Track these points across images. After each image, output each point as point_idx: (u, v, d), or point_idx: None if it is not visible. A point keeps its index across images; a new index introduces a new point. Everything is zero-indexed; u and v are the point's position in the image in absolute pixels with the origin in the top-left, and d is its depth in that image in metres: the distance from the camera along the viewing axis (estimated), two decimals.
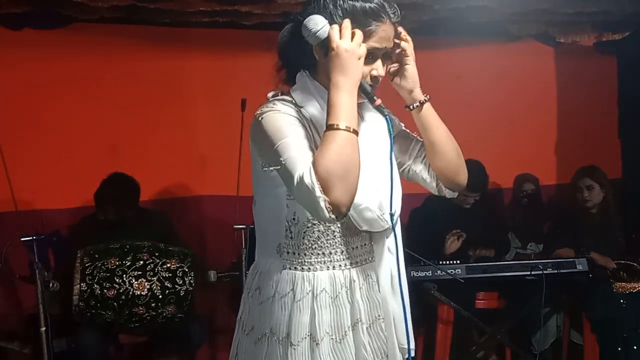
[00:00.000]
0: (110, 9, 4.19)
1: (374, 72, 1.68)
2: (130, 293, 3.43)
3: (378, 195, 1.70)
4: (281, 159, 1.58)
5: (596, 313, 3.95)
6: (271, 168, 1.62)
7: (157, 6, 4.21)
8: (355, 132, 1.56)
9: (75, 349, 3.73)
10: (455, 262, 3.96)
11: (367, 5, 1.65)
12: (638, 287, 3.89)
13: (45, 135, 4.48)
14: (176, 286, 3.50)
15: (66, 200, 4.52)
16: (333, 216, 1.53)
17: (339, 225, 1.71)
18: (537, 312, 4.03)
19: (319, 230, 1.70)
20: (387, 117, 1.64)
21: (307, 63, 1.73)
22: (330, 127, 1.55)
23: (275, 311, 1.70)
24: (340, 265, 1.72)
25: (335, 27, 1.60)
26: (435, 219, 4.44)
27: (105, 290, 3.42)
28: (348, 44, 1.58)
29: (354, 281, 1.73)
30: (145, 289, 3.45)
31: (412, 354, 1.79)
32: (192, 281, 3.53)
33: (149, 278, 3.47)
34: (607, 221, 4.32)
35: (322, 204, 1.50)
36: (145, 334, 3.78)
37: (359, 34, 1.61)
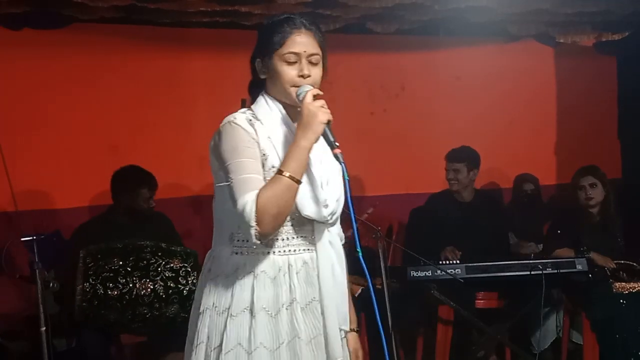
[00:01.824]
0: (110, 9, 4.20)
1: (300, 73, 1.94)
2: (134, 293, 3.43)
3: (325, 192, 1.96)
4: (231, 176, 1.88)
5: (596, 313, 3.95)
6: (222, 183, 1.93)
7: (157, 6, 4.21)
8: (299, 182, 1.85)
9: (76, 348, 3.73)
10: (455, 262, 3.96)
11: (276, 19, 2.01)
12: (638, 287, 3.88)
13: (45, 135, 4.48)
14: (179, 286, 3.49)
15: (66, 200, 4.52)
16: (258, 241, 1.83)
17: None
18: (537, 312, 4.03)
19: None
20: (342, 163, 1.89)
21: (261, 84, 2.02)
22: (280, 172, 1.84)
23: (219, 287, 1.94)
24: (280, 252, 1.94)
25: (310, 90, 1.91)
26: (437, 218, 4.45)
27: (108, 290, 3.42)
28: (313, 105, 1.89)
29: (291, 266, 1.95)
30: (149, 289, 3.44)
31: (346, 335, 2.06)
32: (195, 281, 3.52)
33: (152, 278, 3.46)
34: (607, 221, 4.32)
35: (253, 232, 1.81)
36: (147, 334, 3.78)
37: (324, 103, 1.92)
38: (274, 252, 1.94)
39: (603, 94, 5.65)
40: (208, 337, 1.92)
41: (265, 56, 1.97)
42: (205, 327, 1.92)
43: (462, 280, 3.75)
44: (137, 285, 3.44)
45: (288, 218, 1.93)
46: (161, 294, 3.45)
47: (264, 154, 1.91)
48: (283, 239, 1.95)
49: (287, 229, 1.95)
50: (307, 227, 1.97)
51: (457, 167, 4.46)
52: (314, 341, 1.94)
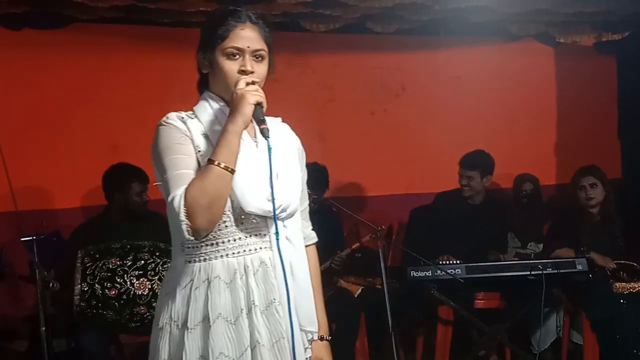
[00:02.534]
0: (110, 9, 4.20)
1: (242, 68, 1.84)
2: (132, 293, 3.43)
3: (267, 187, 1.84)
4: (165, 175, 1.79)
5: (596, 313, 3.95)
6: (157, 182, 1.84)
7: (157, 6, 4.21)
8: (232, 171, 1.76)
9: (75, 348, 3.72)
10: (455, 262, 3.96)
11: (221, 12, 1.90)
12: (638, 287, 3.89)
13: (45, 135, 4.48)
14: None
15: (66, 200, 4.52)
16: (192, 237, 1.74)
17: (230, 217, 1.84)
18: (537, 312, 4.03)
19: None
20: (267, 139, 1.81)
21: (205, 80, 1.94)
22: (210, 162, 1.75)
23: (176, 301, 1.85)
24: (234, 253, 1.84)
25: (244, 78, 1.82)
26: (443, 217, 4.44)
27: (106, 290, 3.42)
28: (242, 89, 1.79)
29: (248, 267, 1.85)
30: (147, 289, 3.45)
31: (313, 337, 1.96)
32: None
33: (150, 278, 3.47)
34: (607, 221, 4.32)
35: (184, 227, 1.72)
36: (146, 334, 3.77)
37: (258, 88, 1.82)
38: (227, 255, 1.84)
39: (603, 94, 5.64)
40: (169, 354, 1.84)
41: (207, 50, 1.87)
42: (165, 344, 1.85)
43: (462, 281, 3.75)
44: (135, 285, 3.44)
45: (235, 216, 1.83)
46: (159, 293, 3.45)
47: (199, 151, 1.82)
48: (235, 239, 1.84)
49: (238, 228, 1.84)
50: (260, 224, 1.87)
51: (470, 175, 4.43)
52: (276, 345, 1.84)
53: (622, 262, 4.10)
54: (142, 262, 3.49)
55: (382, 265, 3.41)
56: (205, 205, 1.71)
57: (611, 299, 3.87)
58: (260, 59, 1.87)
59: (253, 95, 1.78)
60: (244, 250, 1.85)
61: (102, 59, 4.58)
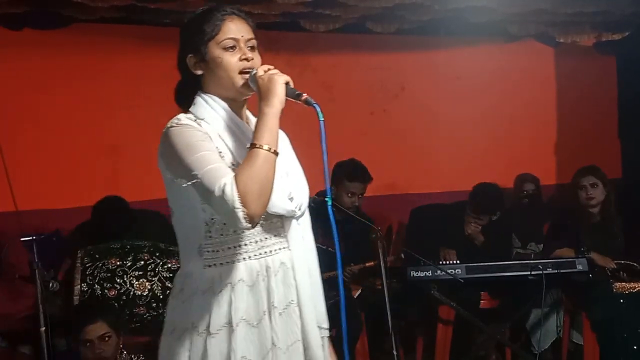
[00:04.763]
0: (110, 9, 4.20)
1: (242, 57, 1.81)
2: (131, 293, 3.43)
3: (288, 185, 1.85)
4: (196, 173, 1.69)
5: (596, 313, 3.95)
6: (186, 183, 1.72)
7: (157, 6, 4.21)
8: (276, 153, 1.72)
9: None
10: (455, 262, 3.96)
11: (201, 11, 1.88)
12: (638, 287, 3.89)
13: (45, 135, 4.48)
14: None
15: (66, 200, 4.52)
16: (249, 225, 1.68)
17: None
18: (537, 312, 4.02)
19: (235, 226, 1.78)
20: (315, 104, 1.78)
21: (193, 84, 1.92)
22: (253, 146, 1.71)
23: (197, 306, 1.79)
24: (255, 255, 1.82)
25: (262, 67, 1.80)
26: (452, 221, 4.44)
27: (105, 291, 3.43)
28: (266, 74, 1.77)
29: (269, 268, 1.82)
30: (146, 289, 3.45)
31: (327, 334, 1.95)
32: None
33: (150, 278, 3.47)
34: (607, 221, 4.32)
35: (241, 215, 1.64)
36: (145, 334, 3.78)
37: (276, 70, 1.80)
38: (249, 257, 1.81)
39: (603, 94, 5.65)
40: None
41: (198, 49, 1.85)
42: (186, 351, 1.78)
43: (462, 281, 3.75)
44: (135, 286, 3.44)
45: None
46: (158, 294, 3.46)
47: (220, 152, 1.77)
48: (257, 241, 1.82)
49: (257, 230, 1.81)
50: (277, 224, 1.85)
51: (483, 220, 4.39)
52: (291, 348, 1.82)
53: (622, 262, 4.10)
54: (142, 262, 3.50)
55: (382, 265, 3.41)
56: (257, 191, 1.66)
57: (611, 299, 3.87)
58: (253, 48, 1.85)
59: (280, 75, 1.77)
60: (265, 252, 1.83)
61: (102, 59, 4.58)
